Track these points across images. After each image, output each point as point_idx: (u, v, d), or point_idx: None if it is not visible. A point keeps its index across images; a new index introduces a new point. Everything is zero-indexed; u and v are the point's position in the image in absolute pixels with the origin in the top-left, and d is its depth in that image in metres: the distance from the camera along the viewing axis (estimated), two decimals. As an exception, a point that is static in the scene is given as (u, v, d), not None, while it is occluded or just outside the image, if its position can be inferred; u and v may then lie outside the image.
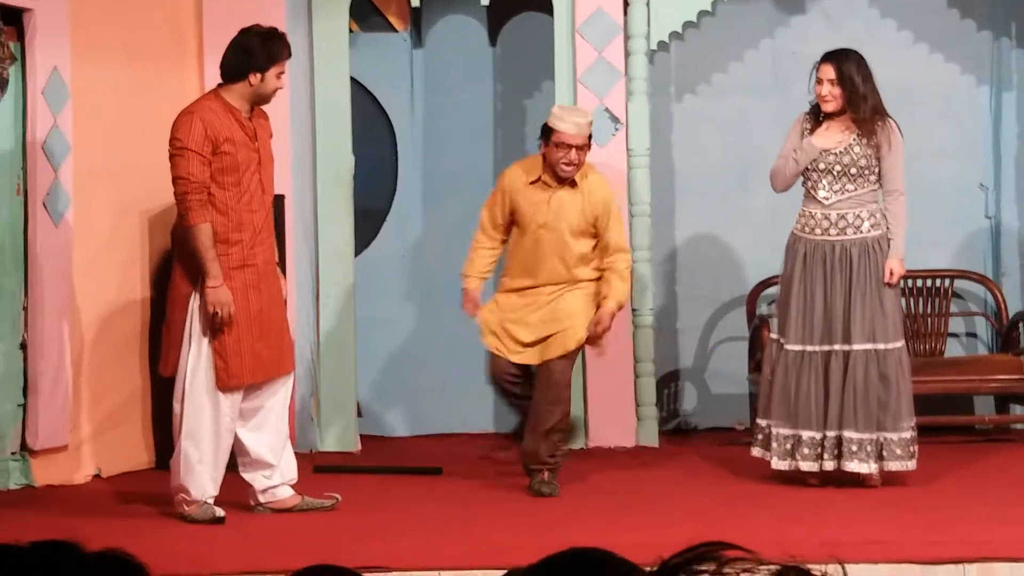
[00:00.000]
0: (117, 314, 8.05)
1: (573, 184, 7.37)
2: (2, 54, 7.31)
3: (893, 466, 7.31)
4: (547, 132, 7.34)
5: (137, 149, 7.94)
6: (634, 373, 8.82)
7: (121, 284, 8.09)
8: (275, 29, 6.84)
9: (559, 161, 7.29)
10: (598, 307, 7.35)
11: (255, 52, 6.72)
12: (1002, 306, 9.25)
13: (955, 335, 9.42)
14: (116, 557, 2.57)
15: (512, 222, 7.48)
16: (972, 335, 9.47)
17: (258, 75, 6.72)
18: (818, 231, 7.36)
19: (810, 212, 7.40)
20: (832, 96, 7.32)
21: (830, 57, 7.38)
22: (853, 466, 7.27)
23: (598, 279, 7.44)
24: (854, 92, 7.30)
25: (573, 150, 7.28)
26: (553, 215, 7.37)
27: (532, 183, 7.39)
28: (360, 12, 9.34)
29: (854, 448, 7.26)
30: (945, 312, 9.30)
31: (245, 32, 6.79)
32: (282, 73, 6.79)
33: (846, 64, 7.32)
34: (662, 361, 9.18)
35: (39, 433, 7.53)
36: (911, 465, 7.33)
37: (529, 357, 7.42)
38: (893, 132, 7.37)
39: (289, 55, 6.83)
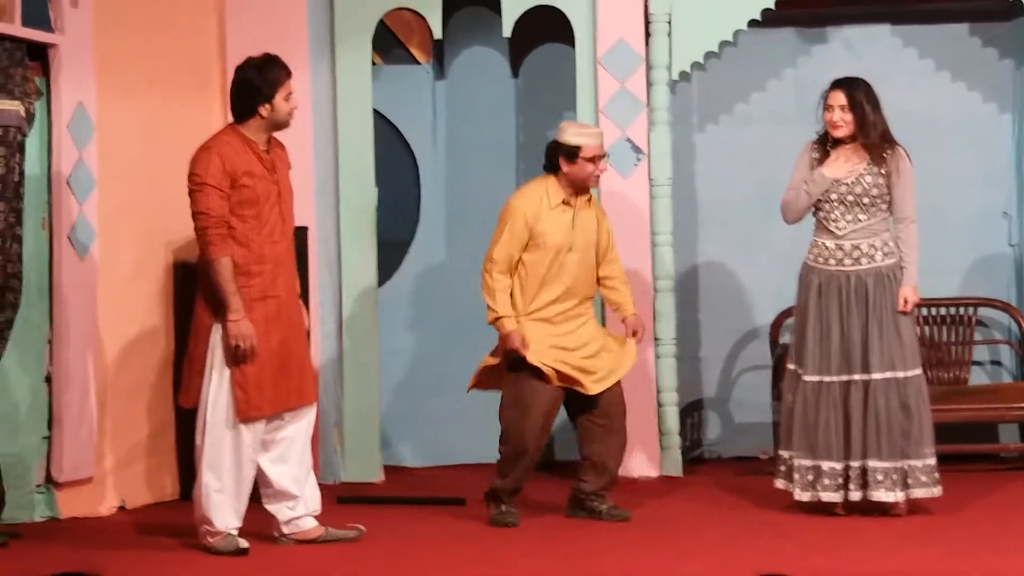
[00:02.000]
0: (142, 346, 8.09)
1: (589, 200, 7.43)
2: (28, 89, 7.38)
3: (919, 493, 7.29)
4: (570, 150, 7.30)
5: (162, 182, 7.99)
6: (657, 403, 8.81)
7: (146, 317, 8.13)
8: (268, 55, 6.84)
9: (591, 175, 7.35)
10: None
11: (256, 84, 6.75)
12: (1027, 334, 9.23)
13: (979, 363, 9.40)
14: None
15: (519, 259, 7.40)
16: (996, 363, 9.45)
17: (267, 105, 6.76)
18: (832, 261, 7.37)
19: (823, 243, 7.41)
20: (843, 122, 7.34)
21: (840, 84, 7.40)
22: (879, 495, 7.25)
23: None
24: (864, 118, 7.33)
25: (602, 160, 7.36)
26: (580, 236, 7.38)
27: (555, 207, 7.36)
28: (383, 45, 9.39)
29: (879, 477, 7.25)
30: (969, 340, 9.28)
31: (240, 69, 6.82)
32: (290, 94, 6.80)
33: (856, 90, 7.35)
34: (685, 390, 9.17)
35: (64, 465, 7.56)
36: (937, 491, 7.31)
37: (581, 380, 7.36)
38: (902, 159, 7.37)
39: (289, 75, 6.81)
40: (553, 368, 7.28)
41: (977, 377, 9.36)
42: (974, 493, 7.86)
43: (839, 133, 7.37)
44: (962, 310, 9.31)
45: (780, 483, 7.48)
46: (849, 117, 7.34)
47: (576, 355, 7.35)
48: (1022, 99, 9.42)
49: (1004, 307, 9.31)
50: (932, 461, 7.30)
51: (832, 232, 7.37)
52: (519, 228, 7.32)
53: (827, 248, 7.38)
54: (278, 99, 6.76)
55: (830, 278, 7.37)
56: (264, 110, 6.75)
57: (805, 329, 7.39)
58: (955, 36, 9.46)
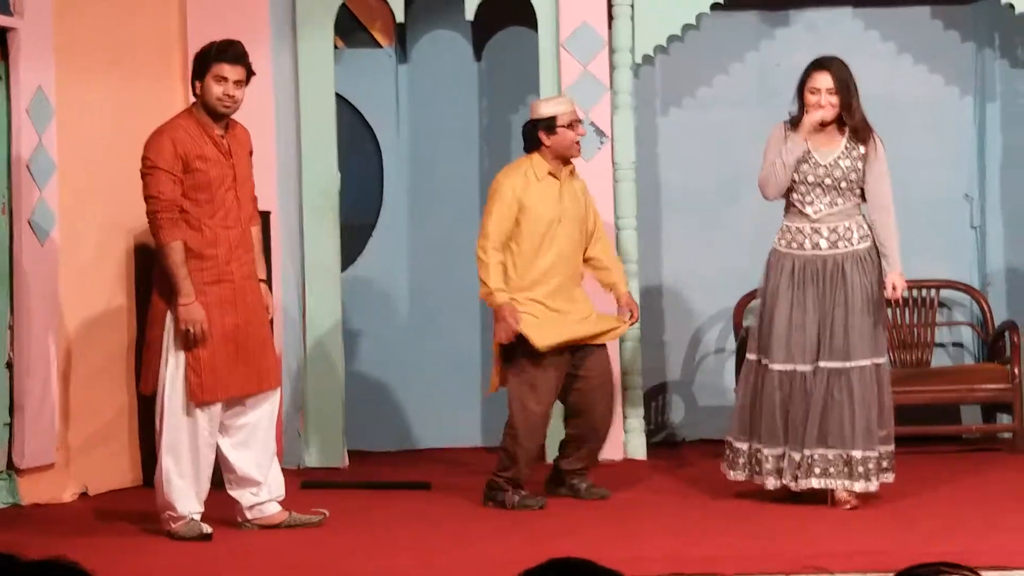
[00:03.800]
0: (103, 332, 8.04)
1: (572, 172, 7.48)
2: (-14, 73, 7.32)
3: (887, 478, 7.12)
4: (548, 123, 7.37)
5: (122, 167, 7.92)
6: (621, 386, 8.81)
7: (107, 302, 8.08)
8: (229, 39, 6.79)
9: (572, 141, 7.39)
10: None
11: (195, 63, 6.73)
12: (988, 316, 9.26)
13: (941, 345, 9.43)
14: (56, 564, 2.51)
15: (511, 234, 7.42)
16: (958, 345, 9.49)
17: (198, 83, 6.71)
18: (808, 245, 7.12)
19: (797, 227, 7.14)
20: (830, 105, 7.07)
21: (823, 65, 7.12)
22: (859, 486, 7.01)
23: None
24: (849, 100, 7.07)
25: (580, 125, 7.44)
26: (568, 207, 7.43)
27: (542, 180, 7.40)
28: (345, 28, 9.35)
29: (859, 467, 7.00)
30: (931, 322, 9.32)
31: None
32: (223, 79, 6.66)
33: (840, 71, 7.09)
34: (649, 374, 9.19)
35: (25, 452, 7.51)
36: (889, 478, 7.15)
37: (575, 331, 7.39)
38: (879, 144, 7.16)
39: (228, 60, 6.66)
40: (555, 340, 7.32)
41: (939, 359, 9.39)
42: (936, 475, 7.89)
43: (827, 116, 7.08)
44: (924, 292, 9.35)
45: (738, 475, 7.27)
46: (835, 100, 7.08)
47: (571, 317, 7.39)
48: (983, 82, 9.45)
49: (966, 289, 9.35)
50: (892, 447, 7.13)
51: (807, 216, 7.12)
52: (508, 201, 7.35)
53: (802, 232, 7.13)
54: (208, 80, 6.68)
55: (806, 263, 7.12)
56: (198, 87, 6.71)
57: (773, 316, 7.14)
58: (917, 19, 9.48)
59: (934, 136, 9.47)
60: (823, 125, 7.15)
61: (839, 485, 7.05)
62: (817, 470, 7.06)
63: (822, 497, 7.14)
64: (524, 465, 7.41)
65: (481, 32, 9.50)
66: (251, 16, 8.64)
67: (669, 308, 9.55)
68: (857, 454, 7.04)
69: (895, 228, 7.15)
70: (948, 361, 9.43)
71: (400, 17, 8.94)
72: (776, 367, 7.15)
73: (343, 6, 8.99)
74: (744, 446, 7.26)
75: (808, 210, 7.12)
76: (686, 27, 8.88)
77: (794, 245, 7.16)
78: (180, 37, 8.60)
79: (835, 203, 7.11)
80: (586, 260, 7.56)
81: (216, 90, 6.68)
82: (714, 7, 8.85)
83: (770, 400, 7.16)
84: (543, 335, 7.29)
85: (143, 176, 6.69)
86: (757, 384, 7.20)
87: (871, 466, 7.05)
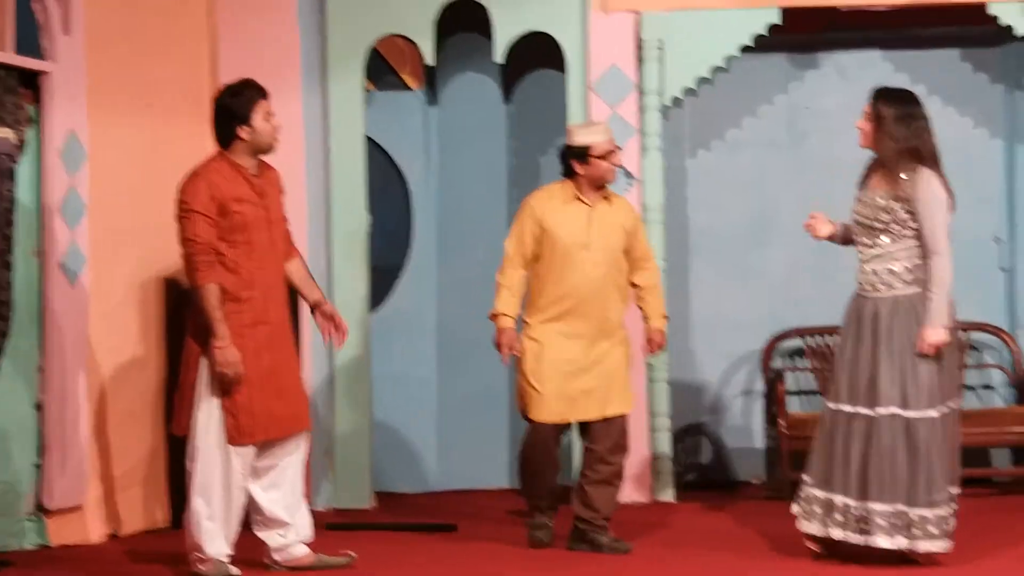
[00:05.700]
0: (133, 373, 8.08)
1: (608, 198, 7.41)
2: (19, 117, 7.38)
3: (923, 546, 6.69)
4: (580, 151, 7.32)
5: (153, 209, 8.00)
6: (650, 428, 8.81)
7: (137, 343, 8.13)
8: (242, 79, 6.83)
9: (607, 171, 7.36)
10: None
11: (231, 108, 6.75)
12: (1018, 358, 9.24)
13: (971, 387, 9.40)
14: None
15: (536, 254, 7.39)
16: (988, 387, 9.46)
17: (246, 127, 6.75)
18: (868, 287, 6.85)
19: (857, 267, 6.92)
20: (862, 131, 6.81)
21: (872, 92, 6.84)
22: (878, 541, 6.69)
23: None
24: (882, 130, 6.74)
25: (613, 154, 7.37)
26: (597, 234, 7.35)
27: (568, 203, 7.37)
28: (375, 71, 9.40)
29: (879, 521, 6.69)
30: (960, 364, 9.27)
31: (217, 96, 6.84)
32: (270, 114, 6.76)
33: (884, 100, 6.77)
34: (678, 416, 9.18)
35: (55, 493, 7.55)
36: (943, 545, 6.72)
37: (574, 411, 7.40)
38: (923, 184, 6.71)
39: (264, 96, 6.76)
40: (548, 418, 7.35)
41: (969, 401, 9.35)
42: (967, 518, 7.81)
43: (860, 142, 6.84)
44: (954, 335, 9.31)
45: (801, 516, 6.93)
46: (868, 127, 6.79)
47: (578, 382, 7.34)
48: (1013, 124, 9.45)
49: (995, 331, 9.33)
50: (943, 511, 6.73)
51: (859, 255, 6.88)
52: (527, 221, 7.39)
53: (858, 273, 6.89)
54: (257, 120, 6.75)
55: (863, 304, 6.86)
56: (244, 132, 6.75)
57: (843, 357, 6.87)
58: (946, 62, 9.49)
59: (963, 178, 9.38)
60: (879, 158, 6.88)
61: (900, 544, 6.69)
62: (873, 526, 6.70)
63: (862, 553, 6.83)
64: (534, 490, 7.43)
65: (510, 75, 9.55)
66: (282, 59, 8.71)
67: (697, 350, 9.55)
68: (919, 512, 6.71)
69: (940, 274, 6.74)
70: (978, 404, 9.40)
71: (430, 60, 8.99)
72: (829, 405, 6.90)
73: (373, 49, 9.05)
74: (811, 484, 6.90)
75: (856, 249, 6.91)
76: (715, 70, 8.91)
77: (857, 286, 6.92)
78: (211, 80, 8.66)
79: (878, 243, 6.82)
80: (633, 286, 7.53)
81: (268, 127, 6.76)
82: (743, 50, 8.88)
83: (819, 439, 6.90)
84: (538, 407, 7.33)
85: (179, 219, 6.73)
86: (824, 425, 6.91)
87: (932, 529, 6.71)
